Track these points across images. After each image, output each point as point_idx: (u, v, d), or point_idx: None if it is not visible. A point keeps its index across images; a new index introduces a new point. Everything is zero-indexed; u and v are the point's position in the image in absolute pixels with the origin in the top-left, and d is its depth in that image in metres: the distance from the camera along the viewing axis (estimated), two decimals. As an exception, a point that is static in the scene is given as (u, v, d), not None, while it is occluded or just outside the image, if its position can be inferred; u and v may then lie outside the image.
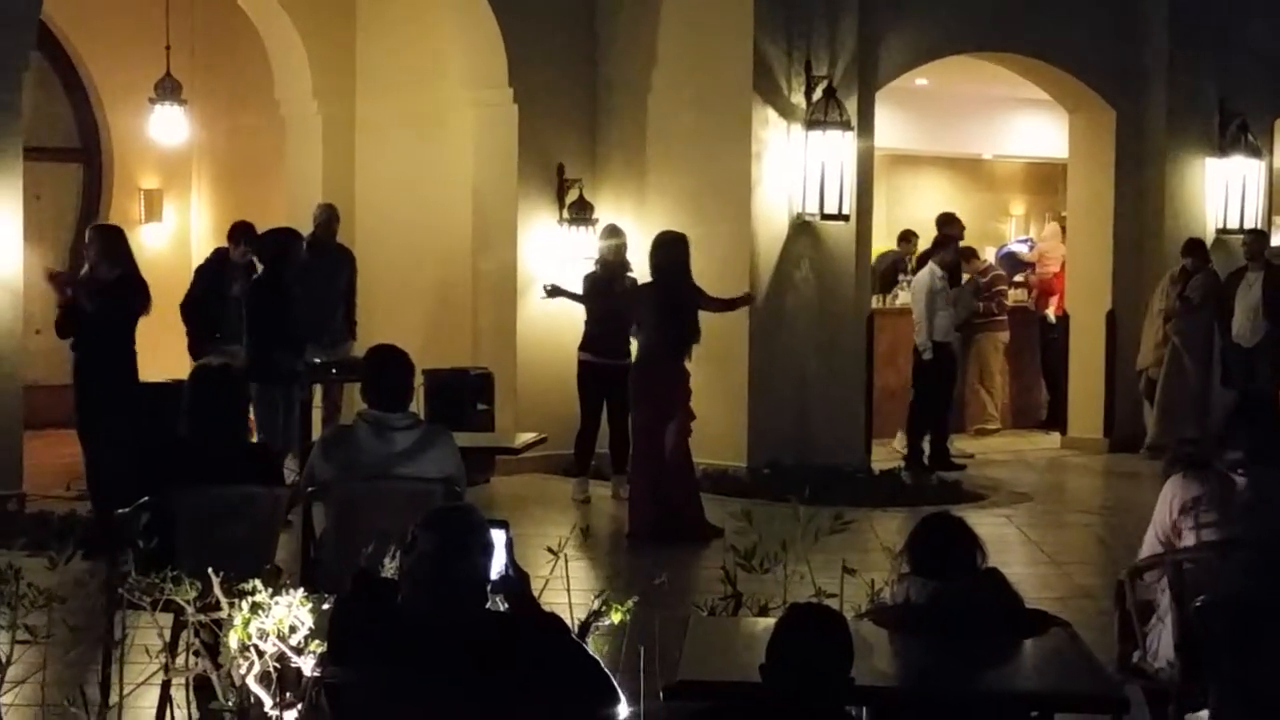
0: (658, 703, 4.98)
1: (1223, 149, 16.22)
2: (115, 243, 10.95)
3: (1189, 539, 6.19)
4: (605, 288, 12.70)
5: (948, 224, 15.53)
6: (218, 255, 13.16)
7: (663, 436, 11.35)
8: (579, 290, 13.03)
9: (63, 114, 16.98)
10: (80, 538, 9.98)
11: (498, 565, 4.59)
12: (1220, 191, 16.26)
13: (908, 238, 17.35)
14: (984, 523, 11.28)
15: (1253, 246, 15.37)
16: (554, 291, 13.12)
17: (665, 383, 11.35)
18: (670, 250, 11.52)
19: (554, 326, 13.53)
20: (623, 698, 4.47)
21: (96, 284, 10.73)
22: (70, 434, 11.41)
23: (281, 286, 11.72)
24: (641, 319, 11.50)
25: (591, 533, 11.08)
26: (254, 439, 11.15)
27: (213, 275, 12.92)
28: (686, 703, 4.63)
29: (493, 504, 11.92)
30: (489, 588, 4.54)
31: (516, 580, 4.68)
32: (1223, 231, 16.21)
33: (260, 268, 12.18)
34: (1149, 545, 6.40)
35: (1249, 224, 16.12)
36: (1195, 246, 15.47)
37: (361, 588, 4.61)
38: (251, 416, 11.53)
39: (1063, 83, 16.10)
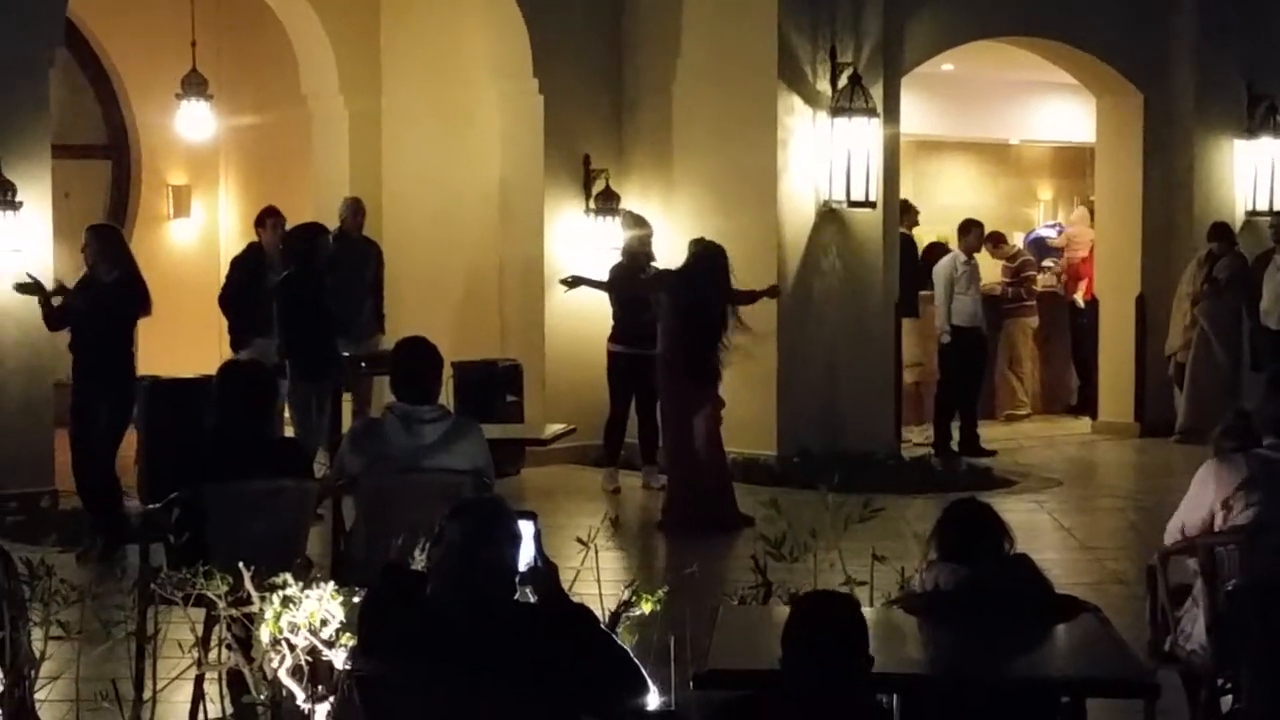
0: (688, 692, 4.98)
1: (1251, 131, 16.15)
2: (112, 243, 10.66)
3: (1243, 518, 6.12)
4: (631, 278, 12.65)
5: (905, 212, 15.40)
6: (253, 247, 13.16)
7: (693, 425, 11.34)
8: (603, 279, 12.96)
9: (90, 111, 17.03)
10: (103, 539, 10.07)
11: (526, 557, 4.60)
12: (1249, 173, 16.18)
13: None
14: (1015, 508, 11.29)
15: (1280, 228, 15.31)
16: (575, 281, 12.96)
17: (692, 371, 11.32)
18: (711, 256, 11.49)
19: (582, 317, 13.51)
20: (653, 687, 4.48)
21: (95, 285, 10.45)
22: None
23: (311, 282, 11.72)
24: (667, 307, 11.48)
25: (622, 523, 11.05)
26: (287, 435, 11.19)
27: (249, 267, 12.89)
28: (717, 692, 4.64)
29: (522, 495, 11.94)
30: (517, 579, 4.55)
31: (545, 572, 4.68)
32: (1252, 214, 16.13)
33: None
34: (1174, 530, 6.36)
35: (1279, 206, 16.04)
36: (1221, 230, 15.40)
37: (391, 580, 4.61)
38: (286, 415, 11.65)
39: (1090, 66, 16.04)
